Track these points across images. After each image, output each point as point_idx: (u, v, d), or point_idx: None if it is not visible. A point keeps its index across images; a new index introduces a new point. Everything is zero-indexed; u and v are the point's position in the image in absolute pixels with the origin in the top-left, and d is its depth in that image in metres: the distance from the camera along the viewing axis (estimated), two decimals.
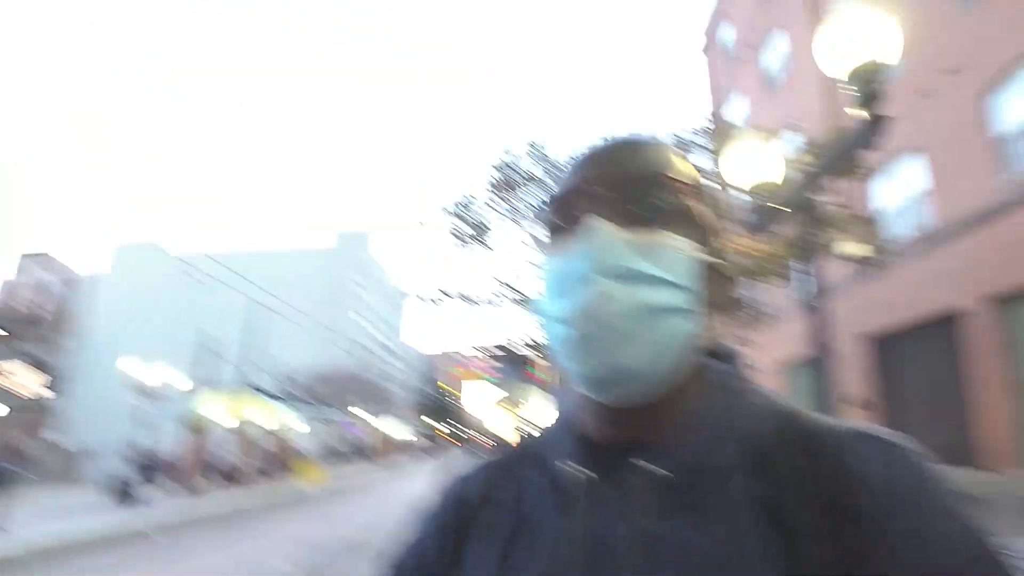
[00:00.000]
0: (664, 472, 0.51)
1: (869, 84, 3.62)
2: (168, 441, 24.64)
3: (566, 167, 0.60)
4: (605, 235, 0.52)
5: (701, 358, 0.57)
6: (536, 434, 0.67)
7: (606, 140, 0.60)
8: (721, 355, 0.60)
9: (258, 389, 25.91)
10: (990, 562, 0.47)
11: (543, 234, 0.59)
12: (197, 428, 22.34)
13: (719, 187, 11.00)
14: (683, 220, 0.55)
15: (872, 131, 3.81)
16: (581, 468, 0.55)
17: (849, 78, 3.64)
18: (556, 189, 0.59)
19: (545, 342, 0.58)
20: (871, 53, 3.54)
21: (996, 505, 9.26)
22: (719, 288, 0.58)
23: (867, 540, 0.46)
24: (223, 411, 23.11)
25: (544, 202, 0.60)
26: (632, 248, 0.52)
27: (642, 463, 0.52)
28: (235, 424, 24.20)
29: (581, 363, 0.52)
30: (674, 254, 0.53)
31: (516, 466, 0.64)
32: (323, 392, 43.17)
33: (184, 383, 24.04)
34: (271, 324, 35.49)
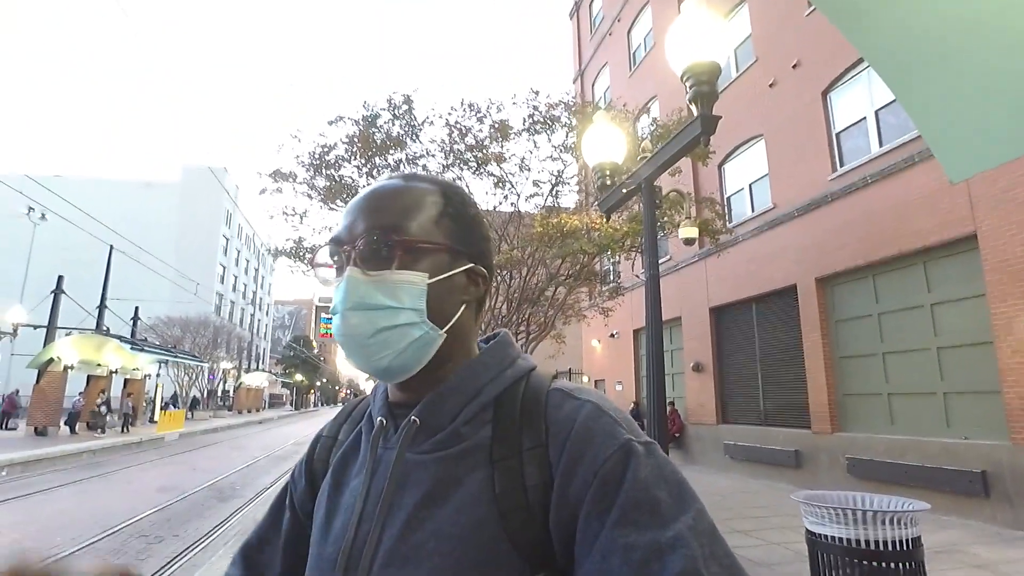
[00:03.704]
0: (415, 418, 0.75)
1: (701, 83, 3.78)
2: (18, 383, 22.78)
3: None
4: (351, 279, 0.74)
5: (458, 341, 0.80)
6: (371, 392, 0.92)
7: (367, 191, 0.81)
8: (491, 338, 0.85)
9: (116, 336, 24.43)
10: (626, 463, 0.65)
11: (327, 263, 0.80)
12: (49, 370, 21.35)
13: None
14: (409, 258, 0.75)
15: (704, 126, 3.97)
16: (381, 417, 0.80)
17: (683, 75, 3.80)
18: (333, 231, 0.81)
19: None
20: (703, 54, 3.70)
21: (818, 462, 10.53)
22: (465, 287, 0.81)
23: (550, 460, 0.69)
24: (78, 354, 22.21)
25: (324, 244, 0.80)
26: (369, 286, 0.74)
27: (412, 415, 0.76)
28: (91, 368, 23.66)
29: (351, 361, 0.77)
30: (401, 287, 0.74)
31: (356, 414, 0.91)
32: (184, 340, 41.11)
33: (30, 323, 22.70)
34: (125, 266, 32.56)
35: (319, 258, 0.81)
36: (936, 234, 8.72)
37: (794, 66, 11.89)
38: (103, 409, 22.49)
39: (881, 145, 9.92)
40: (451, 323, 0.78)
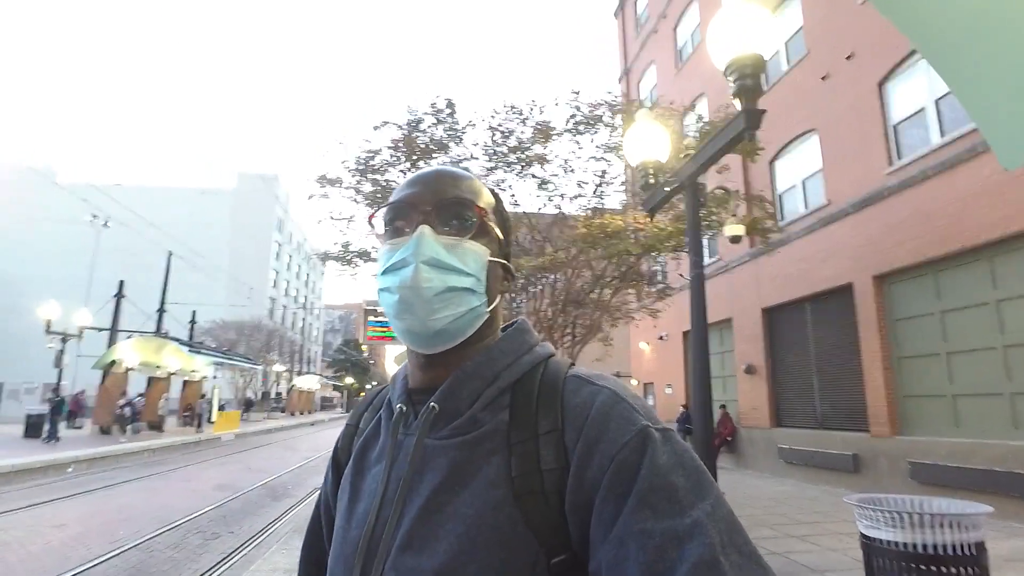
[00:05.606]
0: (433, 404, 0.76)
1: (744, 77, 3.67)
2: (84, 383, 23.76)
3: (409, 177, 0.86)
4: (427, 236, 0.76)
5: (490, 325, 0.82)
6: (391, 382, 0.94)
7: (433, 168, 0.85)
8: (509, 325, 0.86)
9: (174, 338, 25.28)
10: (643, 449, 0.64)
11: (381, 226, 0.83)
12: (112, 372, 22.17)
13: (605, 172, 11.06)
14: (479, 232, 0.80)
15: (749, 121, 3.86)
16: (401, 404, 0.81)
17: (726, 69, 3.70)
18: (393, 198, 0.82)
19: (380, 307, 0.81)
20: (747, 47, 3.61)
21: (878, 466, 10.17)
22: (502, 278, 0.85)
23: (567, 444, 0.69)
24: (138, 356, 22.92)
25: (384, 204, 0.82)
26: (442, 247, 0.76)
27: (431, 401, 0.76)
28: (151, 370, 24.35)
29: (403, 320, 0.77)
30: (470, 254, 0.78)
31: (376, 402, 0.92)
32: (239, 343, 42.35)
33: (94, 326, 23.30)
34: (182, 271, 33.73)
35: (377, 216, 0.84)
36: (1002, 227, 8.31)
37: (848, 57, 11.52)
38: (127, 411, 22.13)
39: (942, 135, 9.51)
40: (493, 304, 0.82)
